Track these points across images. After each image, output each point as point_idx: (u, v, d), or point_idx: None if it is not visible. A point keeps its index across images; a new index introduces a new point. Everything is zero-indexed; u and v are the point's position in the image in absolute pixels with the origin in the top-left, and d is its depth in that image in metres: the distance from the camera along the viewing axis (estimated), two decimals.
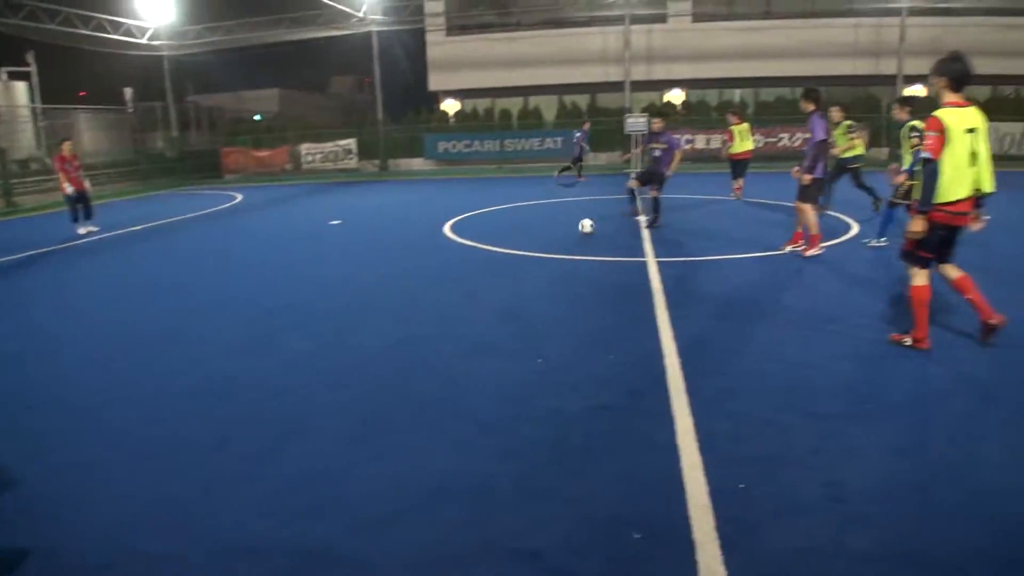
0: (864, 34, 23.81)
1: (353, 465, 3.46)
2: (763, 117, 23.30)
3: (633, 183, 11.12)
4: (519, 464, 3.41)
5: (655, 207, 10.44)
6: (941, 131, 4.32)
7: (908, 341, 4.78)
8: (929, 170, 4.33)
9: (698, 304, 6.17)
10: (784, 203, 12.60)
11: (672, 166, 10.50)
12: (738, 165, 13.69)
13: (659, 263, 7.79)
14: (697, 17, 24.92)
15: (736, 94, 26.21)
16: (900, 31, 22.45)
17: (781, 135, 22.46)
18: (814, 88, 8.28)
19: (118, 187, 21.78)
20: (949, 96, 4.49)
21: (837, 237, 9.21)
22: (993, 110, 22.99)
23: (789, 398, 4.07)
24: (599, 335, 5.40)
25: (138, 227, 12.87)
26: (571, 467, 3.37)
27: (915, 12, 22.49)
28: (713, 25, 24.64)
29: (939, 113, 4.39)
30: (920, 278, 4.67)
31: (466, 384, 4.47)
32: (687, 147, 22.87)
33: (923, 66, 21.21)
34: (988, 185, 4.47)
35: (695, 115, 24.20)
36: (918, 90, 23.66)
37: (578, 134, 18.40)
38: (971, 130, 4.41)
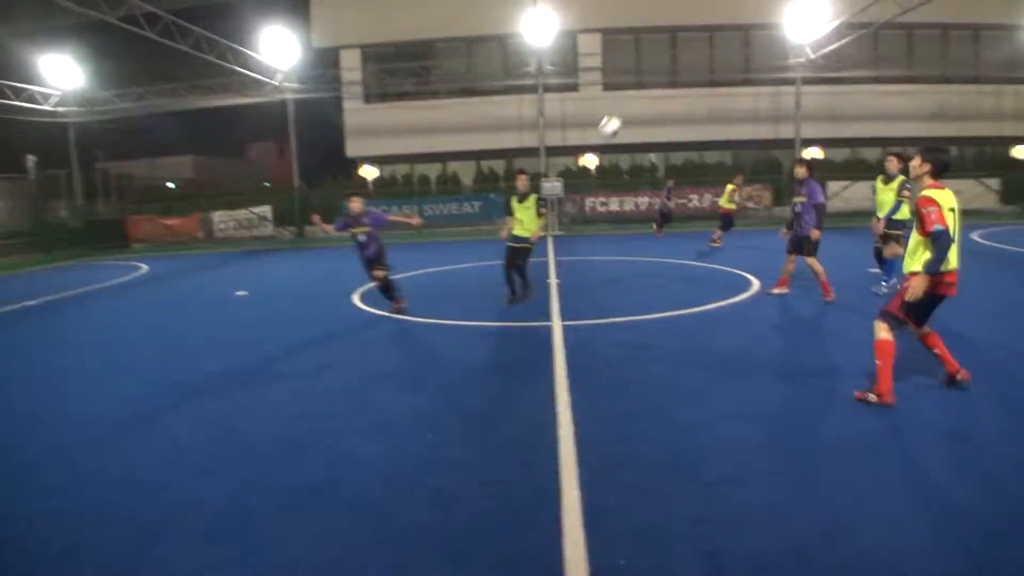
0: (763, 102, 25.27)
1: (210, 568, 3.20)
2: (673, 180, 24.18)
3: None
4: (393, 551, 3.23)
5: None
6: (939, 207, 4.67)
7: (873, 398, 4.85)
8: (943, 241, 4.63)
9: (600, 369, 6.16)
10: (691, 263, 13.00)
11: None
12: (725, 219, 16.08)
13: (564, 327, 7.80)
14: (607, 86, 25.94)
15: (647, 158, 27.20)
16: (796, 99, 23.90)
17: (691, 196, 23.31)
18: (805, 159, 9.51)
19: (19, 258, 20.71)
20: (928, 180, 4.92)
21: (739, 294, 9.47)
22: (881, 170, 24.60)
23: (677, 464, 4.05)
24: (497, 405, 5.30)
25: (33, 301, 12.17)
26: (450, 551, 3.21)
27: (808, 81, 24.02)
28: (623, 93, 25.68)
29: (929, 193, 4.77)
30: (886, 333, 4.91)
31: (352, 466, 4.25)
32: (602, 210, 23.54)
33: (818, 130, 22.80)
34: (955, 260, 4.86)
35: (608, 179, 24.96)
36: (815, 152, 25.17)
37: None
38: (952, 209, 4.81)
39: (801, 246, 8.80)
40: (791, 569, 2.96)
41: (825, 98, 25.20)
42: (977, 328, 6.99)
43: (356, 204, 9.01)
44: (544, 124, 24.29)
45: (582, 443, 4.35)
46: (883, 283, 9.14)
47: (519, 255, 9.36)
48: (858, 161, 25.57)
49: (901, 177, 8.86)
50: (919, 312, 4.95)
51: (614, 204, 23.64)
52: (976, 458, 3.99)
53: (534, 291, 9.82)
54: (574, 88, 25.70)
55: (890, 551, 3.04)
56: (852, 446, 4.22)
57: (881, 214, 9.08)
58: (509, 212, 9.54)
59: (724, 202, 16.14)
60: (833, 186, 23.06)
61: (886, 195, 9.08)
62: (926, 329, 5.10)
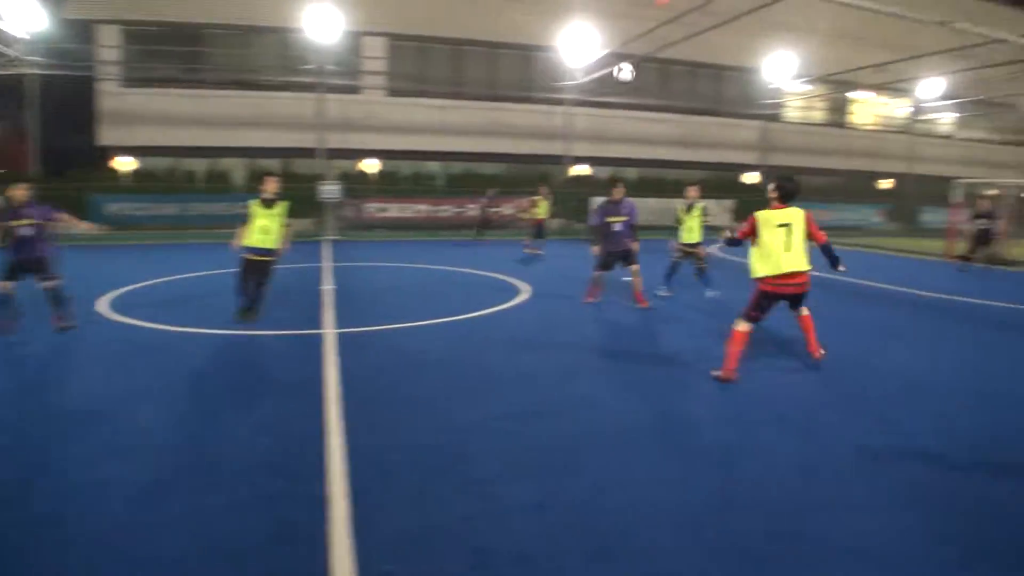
0: (538, 119, 26.71)
1: None
2: (454, 189, 24.81)
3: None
4: None
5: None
6: (752, 224, 5.93)
7: (719, 374, 5.98)
8: (732, 247, 6.21)
9: (374, 376, 6.12)
10: (472, 270, 13.37)
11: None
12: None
13: (339, 334, 7.67)
14: (391, 92, 25.94)
15: (429, 167, 27.55)
16: (567, 119, 25.64)
17: (470, 206, 23.97)
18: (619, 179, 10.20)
19: None
20: (775, 203, 6.03)
21: (511, 300, 9.93)
22: (644, 189, 27.14)
23: (448, 466, 4.17)
24: (264, 418, 5.06)
25: None
26: (214, 574, 3.04)
27: (578, 104, 25.89)
28: (406, 101, 25.81)
29: (758, 212, 5.97)
30: (743, 326, 5.99)
31: (88, 497, 3.78)
32: (382, 215, 23.44)
33: (587, 149, 24.26)
34: (803, 264, 5.93)
35: (388, 185, 24.91)
36: (584, 169, 27.07)
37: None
38: (784, 224, 5.85)
39: (625, 258, 9.61)
40: (548, 559, 3.17)
41: (593, 120, 27.27)
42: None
43: (19, 192, 7.46)
44: (324, 125, 23.69)
45: (353, 452, 4.31)
46: (663, 291, 10.60)
47: (260, 271, 8.18)
48: (620, 179, 27.94)
49: (702, 204, 10.51)
50: (760, 309, 6.03)
51: (394, 210, 23.64)
52: (751, 459, 4.56)
53: (299, 300, 9.51)
54: (357, 91, 25.38)
55: (653, 536, 3.39)
56: (613, 442, 4.62)
57: (691, 238, 10.46)
58: (249, 219, 8.04)
59: (541, 212, 17.03)
60: (599, 201, 25.04)
61: (693, 221, 10.46)
62: (804, 313, 6.35)
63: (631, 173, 28.47)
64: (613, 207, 9.67)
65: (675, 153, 28.96)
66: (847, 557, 3.22)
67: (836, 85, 31.85)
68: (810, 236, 6.01)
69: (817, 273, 6.29)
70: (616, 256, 9.66)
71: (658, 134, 28.44)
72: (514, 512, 3.60)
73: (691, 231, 10.50)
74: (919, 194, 31.42)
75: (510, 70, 27.00)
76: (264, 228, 8.06)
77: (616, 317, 9.16)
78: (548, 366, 6.56)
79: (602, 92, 26.25)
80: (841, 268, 6.40)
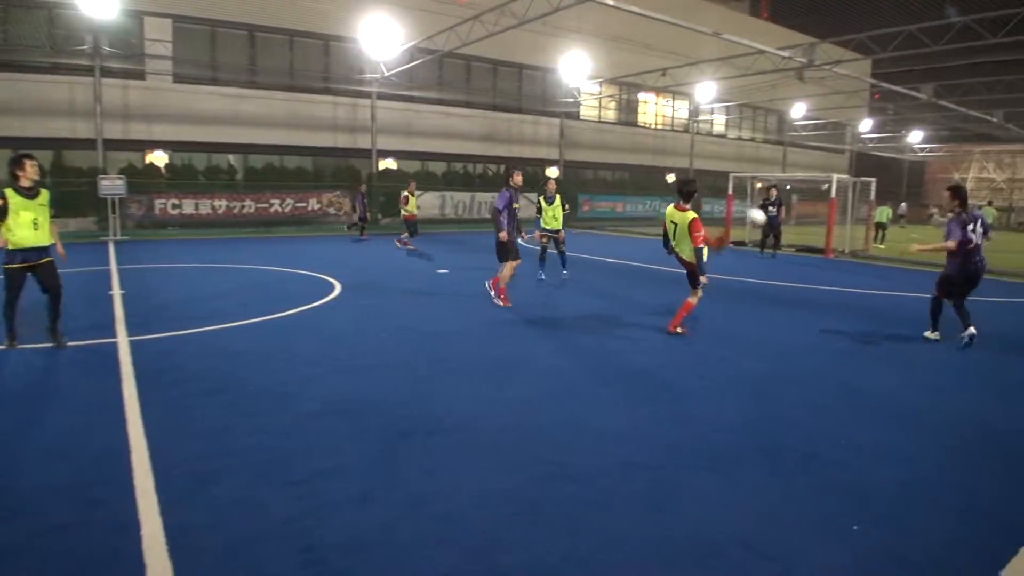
0: (342, 111, 26.06)
1: None
2: (254, 183, 23.63)
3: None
4: None
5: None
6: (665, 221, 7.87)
7: (679, 330, 7.76)
8: (699, 252, 7.49)
9: (179, 383, 5.73)
10: (279, 269, 12.85)
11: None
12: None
13: (133, 342, 7.06)
14: (178, 78, 24.03)
15: (225, 159, 25.94)
16: (371, 111, 25.27)
17: (272, 201, 22.98)
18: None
19: None
20: (681, 203, 7.62)
21: (323, 297, 9.69)
22: (451, 182, 27.49)
23: (268, 468, 4.04)
24: (54, 440, 4.54)
25: None
26: None
27: (383, 97, 25.61)
28: (197, 88, 24.05)
29: (668, 208, 7.87)
30: (693, 299, 7.78)
31: None
32: (175, 212, 21.77)
33: (393, 143, 23.98)
34: (685, 255, 7.67)
35: (180, 179, 23.14)
36: (390, 163, 26.89)
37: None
38: (673, 223, 7.68)
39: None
40: (379, 547, 3.21)
41: (399, 114, 27.11)
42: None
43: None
44: (102, 113, 21.51)
45: (161, 466, 4.03)
46: (541, 275, 12.08)
47: (45, 276, 6.88)
48: (428, 173, 28.08)
49: (559, 196, 11.90)
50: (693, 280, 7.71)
51: (188, 206, 22.03)
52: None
53: (86, 308, 8.66)
54: (140, 76, 23.24)
55: (479, 517, 3.51)
56: (431, 427, 4.72)
57: (554, 225, 11.90)
58: (5, 213, 6.52)
59: (412, 208, 17.35)
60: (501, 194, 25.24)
61: (555, 211, 11.84)
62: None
63: (438, 167, 28.75)
64: (515, 194, 9.47)
65: (480, 148, 29.64)
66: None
67: (626, 87, 34.19)
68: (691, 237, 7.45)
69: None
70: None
71: (463, 129, 28.91)
72: (342, 506, 3.59)
73: (554, 219, 11.87)
74: (700, 187, 34.64)
75: (310, 60, 26.01)
76: (34, 222, 6.66)
77: (437, 312, 9.27)
78: (363, 361, 6.52)
79: (408, 86, 26.23)
80: (703, 280, 7.58)
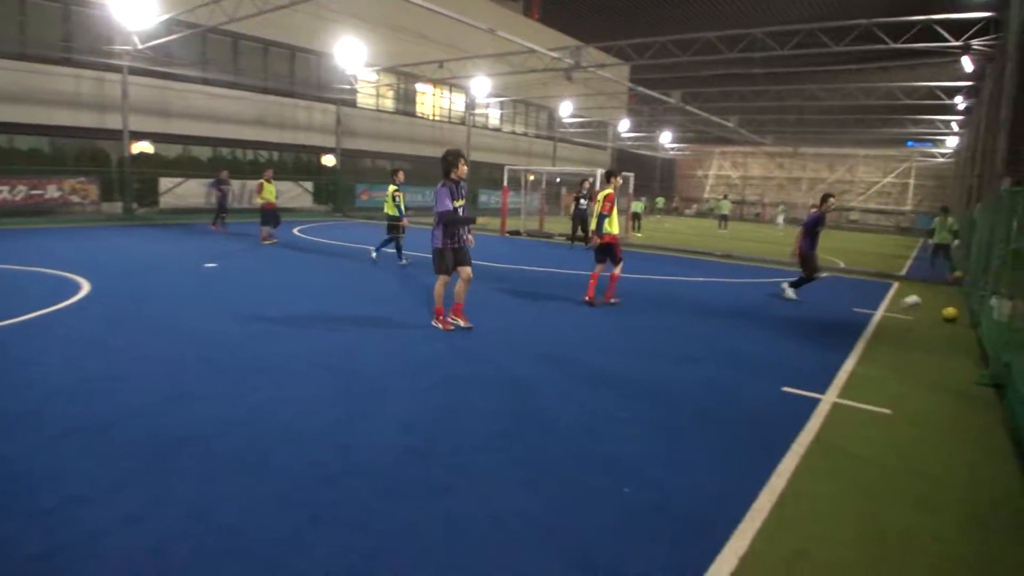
0: (86, 86, 23.13)
1: None
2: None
3: None
4: None
5: None
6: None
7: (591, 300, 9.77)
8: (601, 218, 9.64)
9: None
10: (10, 266, 11.21)
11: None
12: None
13: None
14: None
15: None
16: (123, 88, 22.63)
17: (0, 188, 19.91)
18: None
19: None
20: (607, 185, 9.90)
21: (69, 298, 8.58)
22: (253, 172, 25.61)
23: (6, 501, 3.51)
24: None
25: None
26: None
27: (136, 72, 23.02)
28: None
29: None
30: (600, 270, 9.94)
31: None
32: None
33: (148, 124, 21.83)
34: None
35: None
36: (145, 146, 24.44)
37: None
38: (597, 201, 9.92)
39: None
40: (152, 570, 2.94)
41: (155, 92, 24.62)
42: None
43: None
44: None
45: None
46: (374, 254, 13.73)
47: None
48: (190, 159, 25.89)
49: (393, 187, 12.76)
50: (600, 255, 9.91)
51: None
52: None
53: None
54: None
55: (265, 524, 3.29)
56: (202, 433, 4.37)
57: (393, 212, 12.92)
58: None
59: (269, 195, 16.31)
60: (166, 182, 23.01)
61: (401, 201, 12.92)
62: (599, 268, 9.97)
63: (203, 152, 26.62)
64: (456, 188, 7.56)
65: (250, 132, 27.88)
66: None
67: (403, 76, 34.05)
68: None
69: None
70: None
71: (231, 112, 26.98)
72: (104, 532, 3.21)
73: (398, 208, 12.88)
74: (477, 178, 35.43)
75: (46, 25, 22.73)
76: None
77: (200, 310, 8.59)
78: (118, 369, 5.88)
79: (166, 62, 23.93)
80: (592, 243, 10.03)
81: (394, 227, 13.11)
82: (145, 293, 9.33)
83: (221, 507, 3.49)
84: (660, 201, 23.83)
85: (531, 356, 6.90)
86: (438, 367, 6.34)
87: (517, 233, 21.48)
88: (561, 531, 3.44)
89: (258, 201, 16.54)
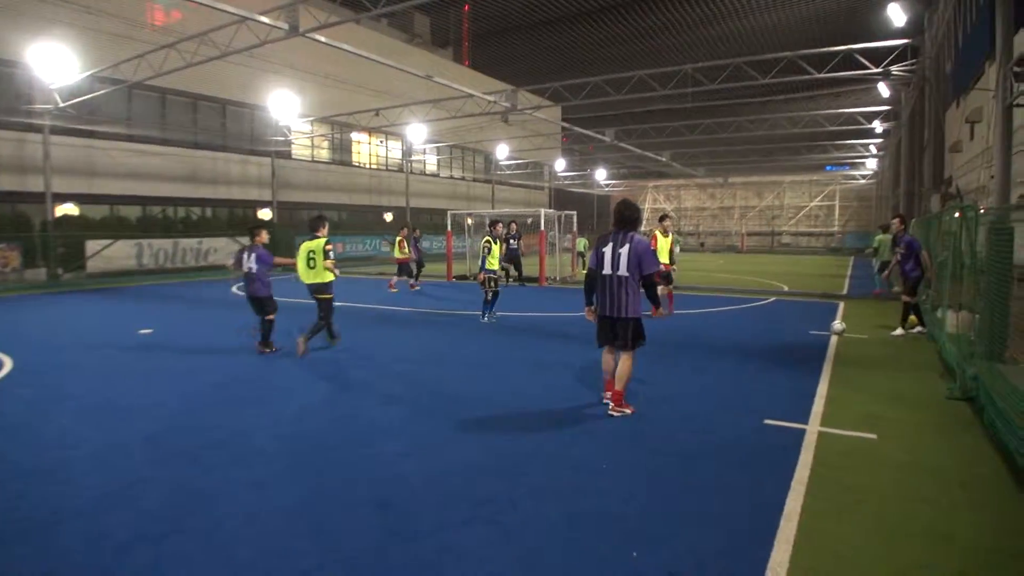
0: (6, 147, 22.03)
1: None
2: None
3: None
4: None
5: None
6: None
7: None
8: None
9: None
10: None
11: None
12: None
13: None
14: None
15: None
16: (44, 148, 21.62)
17: None
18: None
19: None
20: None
21: None
22: (150, 228, 24.67)
23: None
24: None
25: None
26: None
27: (58, 131, 22.09)
28: None
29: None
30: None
31: None
32: None
33: (73, 185, 20.85)
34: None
35: None
36: (70, 208, 23.37)
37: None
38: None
39: None
40: None
41: (79, 151, 23.64)
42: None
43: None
44: None
45: None
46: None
47: None
48: (118, 219, 24.84)
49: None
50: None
51: None
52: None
53: None
54: None
55: None
56: (138, 534, 3.87)
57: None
58: None
59: (397, 252, 17.80)
60: (93, 245, 21.92)
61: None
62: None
63: (132, 212, 25.59)
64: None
65: (182, 189, 27.02)
66: None
67: (338, 126, 33.74)
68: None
69: None
70: None
71: (160, 169, 26.09)
72: None
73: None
74: (418, 224, 35.14)
75: None
76: None
77: (135, 382, 7.98)
78: (47, 457, 5.29)
79: (89, 119, 23.03)
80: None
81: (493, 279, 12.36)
82: (75, 368, 8.62)
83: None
84: (581, 243, 23.97)
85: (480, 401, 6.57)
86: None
87: (464, 278, 21.19)
88: None
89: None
